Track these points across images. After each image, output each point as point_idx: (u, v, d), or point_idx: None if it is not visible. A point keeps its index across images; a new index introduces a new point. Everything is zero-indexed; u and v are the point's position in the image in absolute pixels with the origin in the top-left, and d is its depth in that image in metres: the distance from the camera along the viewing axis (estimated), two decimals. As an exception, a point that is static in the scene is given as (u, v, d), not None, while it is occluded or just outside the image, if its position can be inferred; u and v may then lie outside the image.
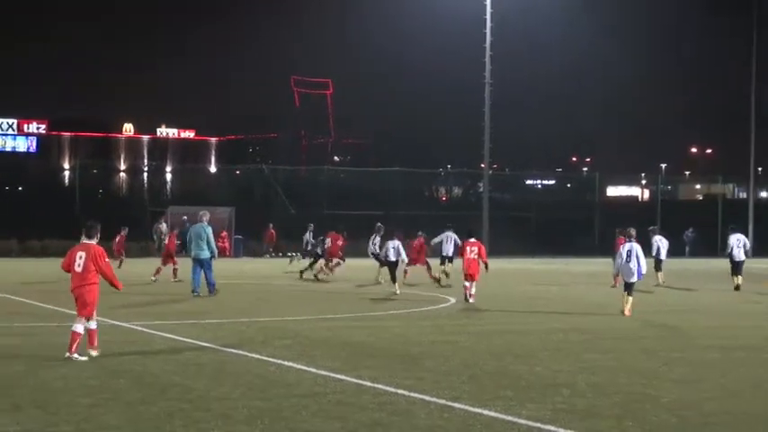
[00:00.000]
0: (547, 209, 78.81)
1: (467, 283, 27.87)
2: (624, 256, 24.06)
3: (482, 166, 73.01)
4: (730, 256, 34.21)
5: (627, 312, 23.78)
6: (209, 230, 29.10)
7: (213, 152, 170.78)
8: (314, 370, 14.55)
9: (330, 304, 26.37)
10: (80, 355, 15.33)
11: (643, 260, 23.98)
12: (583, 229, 69.61)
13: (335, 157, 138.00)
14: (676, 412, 11.72)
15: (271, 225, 61.05)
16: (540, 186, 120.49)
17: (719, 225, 76.63)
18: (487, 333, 20.11)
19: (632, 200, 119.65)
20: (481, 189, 75.80)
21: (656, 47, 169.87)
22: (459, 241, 34.84)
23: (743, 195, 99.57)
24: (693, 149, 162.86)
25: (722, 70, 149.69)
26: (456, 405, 11.99)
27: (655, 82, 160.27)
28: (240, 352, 16.40)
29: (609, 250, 46.28)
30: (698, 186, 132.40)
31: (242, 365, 15.03)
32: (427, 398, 12.42)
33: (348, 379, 13.83)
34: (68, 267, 15.83)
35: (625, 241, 24.84)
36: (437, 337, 19.14)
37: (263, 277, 39.35)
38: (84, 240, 15.99)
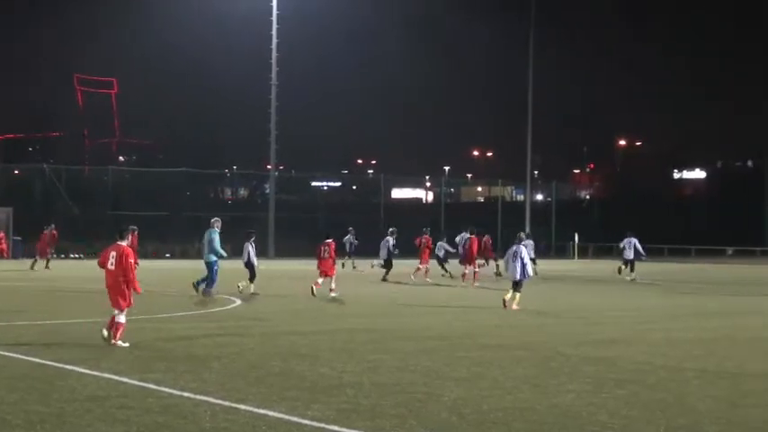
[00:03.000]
0: (333, 210, 79.37)
1: (320, 280, 30.95)
2: (511, 256, 26.45)
3: (268, 167, 73.07)
4: (623, 254, 44.72)
5: (515, 306, 25.95)
6: (215, 235, 30.40)
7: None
8: (98, 373, 14.31)
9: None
10: (123, 341, 17.31)
11: (528, 261, 26.50)
12: (368, 230, 70.39)
13: (120, 158, 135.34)
14: (457, 410, 12.03)
15: (53, 226, 59.46)
16: (326, 188, 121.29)
17: (499, 226, 78.89)
18: (273, 334, 20.16)
19: (416, 201, 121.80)
20: (267, 190, 75.85)
21: (439, 51, 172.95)
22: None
23: (521, 198, 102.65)
24: (475, 152, 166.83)
25: (503, 75, 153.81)
26: (241, 407, 12.00)
27: (438, 86, 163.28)
28: (19, 355, 15.96)
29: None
30: (479, 189, 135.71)
31: (21, 369, 14.65)
32: (212, 400, 12.39)
33: (132, 382, 13.66)
34: (103, 265, 17.79)
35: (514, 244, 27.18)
36: (223, 338, 19.07)
37: (45, 279, 38.36)
38: (118, 241, 18.00)
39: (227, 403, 12.19)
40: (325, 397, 12.74)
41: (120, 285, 17.57)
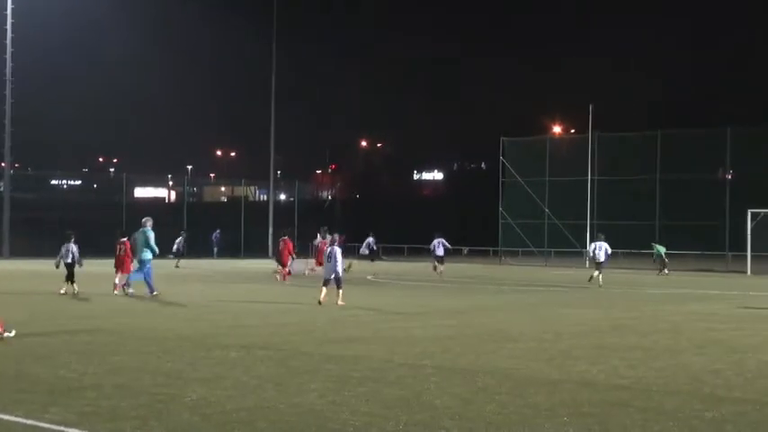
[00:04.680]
0: (73, 209, 77.46)
1: (116, 280, 32.73)
2: (326, 257, 29.38)
3: (2, 165, 70.73)
4: (434, 253, 51.14)
5: (340, 302, 28.52)
6: (151, 234, 32.32)
7: None
8: None
9: None
10: None
11: (340, 261, 28.90)
12: (110, 229, 69.31)
13: None
14: (200, 411, 12.01)
15: None
16: (65, 186, 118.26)
17: (243, 226, 78.95)
18: (6, 337, 19.56)
19: (159, 201, 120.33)
20: (2, 188, 73.32)
21: (183, 48, 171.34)
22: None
23: (264, 198, 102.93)
24: (219, 152, 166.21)
25: (246, 74, 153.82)
26: (-26, 412, 11.63)
27: (182, 84, 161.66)
28: None
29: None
30: (223, 188, 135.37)
31: None
32: (-59, 406, 11.96)
33: None
34: None
35: (327, 245, 30.54)
36: (-45, 342, 18.39)
37: None
38: None
39: (-42, 409, 11.80)
40: (64, 399, 12.49)
41: None
